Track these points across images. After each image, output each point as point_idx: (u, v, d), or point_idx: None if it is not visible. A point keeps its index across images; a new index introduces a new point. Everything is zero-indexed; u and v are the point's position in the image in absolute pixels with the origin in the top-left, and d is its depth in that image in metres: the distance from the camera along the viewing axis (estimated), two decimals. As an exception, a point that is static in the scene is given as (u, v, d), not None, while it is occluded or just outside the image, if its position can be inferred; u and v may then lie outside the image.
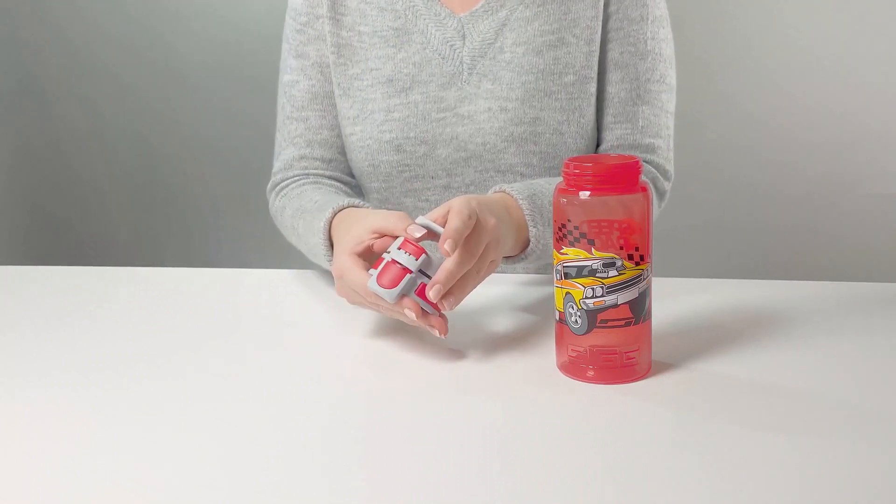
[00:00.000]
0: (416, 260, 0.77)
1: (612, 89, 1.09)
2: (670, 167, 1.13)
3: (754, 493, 0.57)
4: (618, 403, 0.71)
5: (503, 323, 0.91)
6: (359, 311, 0.95)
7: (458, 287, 0.79)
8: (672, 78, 1.12)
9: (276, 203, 1.13)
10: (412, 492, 0.59)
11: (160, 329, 0.92)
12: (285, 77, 1.15)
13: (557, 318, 0.77)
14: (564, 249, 0.74)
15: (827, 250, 2.15)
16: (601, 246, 0.72)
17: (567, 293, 0.75)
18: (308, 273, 1.09)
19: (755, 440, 0.64)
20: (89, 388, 0.78)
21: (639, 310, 0.74)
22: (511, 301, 0.97)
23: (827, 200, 2.13)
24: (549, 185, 0.98)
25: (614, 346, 0.74)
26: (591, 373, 0.75)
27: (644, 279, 0.74)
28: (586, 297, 0.73)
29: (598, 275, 0.73)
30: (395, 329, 0.89)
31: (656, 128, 1.10)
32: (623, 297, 0.73)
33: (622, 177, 0.73)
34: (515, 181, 1.08)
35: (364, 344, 0.86)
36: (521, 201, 0.91)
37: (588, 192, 0.72)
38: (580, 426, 0.68)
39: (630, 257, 0.73)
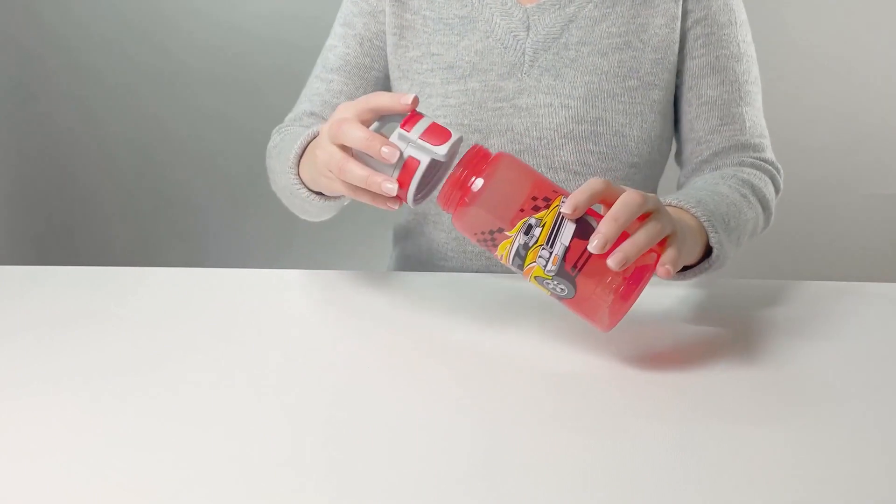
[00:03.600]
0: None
1: (712, 93, 1.09)
2: (779, 164, 1.15)
3: (754, 493, 0.57)
4: (618, 403, 0.71)
5: (503, 323, 0.91)
6: (358, 311, 0.95)
7: (628, 241, 0.71)
8: (759, 79, 1.13)
9: (274, 138, 1.13)
10: (411, 491, 0.59)
11: (160, 329, 0.92)
12: (328, 41, 1.17)
13: (558, 301, 0.77)
14: (497, 253, 0.75)
15: (827, 250, 2.14)
16: (509, 225, 0.73)
17: (535, 278, 0.75)
18: (308, 273, 1.09)
19: (755, 440, 0.64)
20: (89, 388, 0.78)
21: (592, 231, 0.71)
22: (511, 301, 0.97)
23: (827, 200, 2.13)
24: (708, 190, 0.94)
25: (608, 274, 0.72)
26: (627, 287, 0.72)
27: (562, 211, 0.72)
28: (546, 267, 0.73)
29: (530, 245, 0.73)
30: (394, 329, 0.89)
31: (760, 128, 1.12)
32: (566, 238, 0.72)
33: (468, 166, 0.74)
34: (568, 180, 1.07)
35: (364, 344, 0.86)
36: (692, 209, 0.86)
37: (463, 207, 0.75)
38: (580, 426, 0.68)
39: (536, 209, 0.72)
